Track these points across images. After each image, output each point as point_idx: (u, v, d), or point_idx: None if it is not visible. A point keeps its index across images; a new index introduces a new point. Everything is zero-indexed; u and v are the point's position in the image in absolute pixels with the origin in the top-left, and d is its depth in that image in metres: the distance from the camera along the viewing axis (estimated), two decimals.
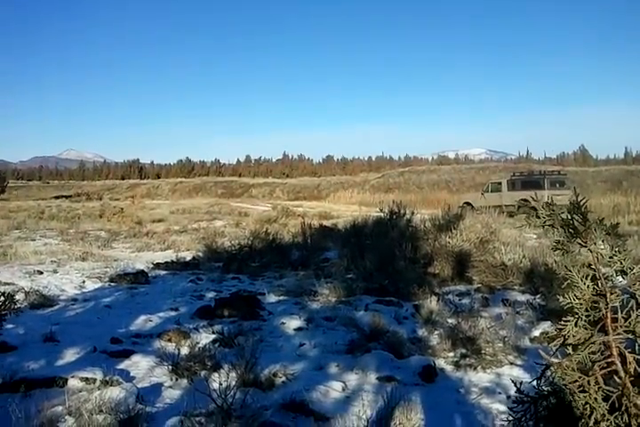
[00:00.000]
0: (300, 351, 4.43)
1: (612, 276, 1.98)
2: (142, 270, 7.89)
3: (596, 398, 1.84)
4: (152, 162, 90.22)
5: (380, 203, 14.18)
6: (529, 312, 5.40)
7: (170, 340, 4.58)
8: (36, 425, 2.78)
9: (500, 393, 3.68)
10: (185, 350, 4.15)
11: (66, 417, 2.99)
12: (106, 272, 7.78)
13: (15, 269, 7.66)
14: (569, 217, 2.00)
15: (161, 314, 5.53)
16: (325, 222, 14.06)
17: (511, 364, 4.23)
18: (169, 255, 9.81)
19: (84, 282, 7.15)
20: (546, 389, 1.96)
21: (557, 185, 20.67)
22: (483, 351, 4.40)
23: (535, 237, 10.65)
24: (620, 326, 1.89)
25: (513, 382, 2.11)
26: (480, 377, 4.00)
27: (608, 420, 1.82)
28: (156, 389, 3.58)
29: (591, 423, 1.82)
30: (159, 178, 72.39)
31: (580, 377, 1.87)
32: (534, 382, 2.01)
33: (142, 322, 5.25)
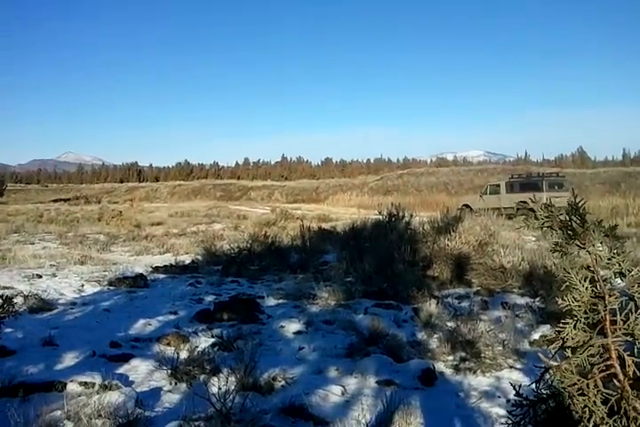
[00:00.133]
0: (300, 355, 4.42)
1: (610, 278, 1.98)
2: (141, 274, 7.88)
3: (594, 402, 1.84)
4: (151, 165, 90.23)
5: (379, 205, 14.17)
6: (528, 315, 5.40)
7: (169, 344, 4.57)
8: None
9: (499, 397, 3.67)
10: (184, 354, 4.14)
11: (65, 422, 2.98)
12: (105, 276, 7.77)
13: (14, 273, 7.65)
14: (567, 219, 2.00)
15: (160, 318, 5.52)
16: (324, 225, 14.05)
17: (511, 367, 4.23)
18: (168, 259, 9.80)
19: (82, 286, 7.14)
20: (545, 392, 1.96)
21: (556, 187, 20.68)
22: (482, 355, 4.40)
23: (534, 239, 10.65)
24: (619, 329, 1.89)
25: (512, 385, 2.11)
26: (479, 381, 4.00)
27: (607, 423, 1.82)
28: (155, 393, 3.57)
29: None
30: (158, 181, 72.40)
31: (578, 380, 1.87)
32: (533, 386, 2.00)
33: (141, 326, 5.24)
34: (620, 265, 1.95)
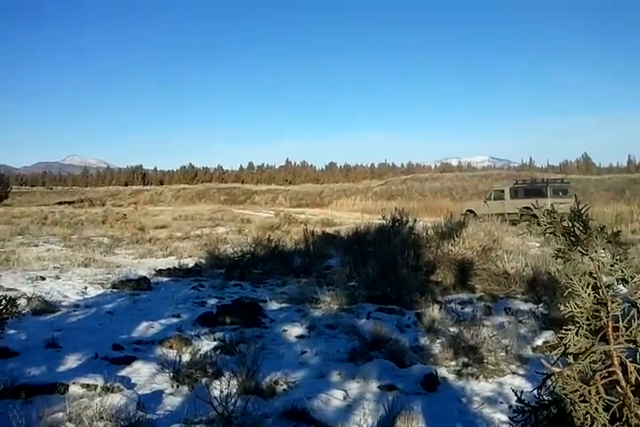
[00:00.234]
0: (302, 359, 4.42)
1: (613, 284, 1.98)
2: (144, 277, 7.90)
3: (596, 408, 1.84)
4: (155, 168, 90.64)
5: (383, 210, 14.20)
6: (531, 321, 5.38)
7: (171, 347, 4.57)
8: None
9: (501, 403, 3.66)
10: (186, 357, 4.15)
11: (66, 424, 2.98)
12: (108, 278, 7.79)
13: (18, 275, 7.68)
14: (570, 225, 2.00)
15: (163, 321, 5.53)
16: (328, 229, 14.05)
17: (513, 373, 4.22)
18: (171, 262, 9.81)
19: (86, 288, 7.16)
20: (547, 398, 1.95)
21: (560, 193, 20.65)
22: (485, 360, 4.39)
23: (538, 245, 10.62)
24: (622, 336, 1.89)
25: (514, 391, 2.11)
26: (482, 386, 3.99)
27: None
28: (157, 396, 3.57)
29: None
30: (162, 184, 72.56)
31: (580, 387, 1.86)
32: (535, 392, 2.00)
33: (144, 329, 5.25)
34: (622, 272, 1.95)
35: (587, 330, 1.92)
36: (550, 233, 2.06)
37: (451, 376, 4.18)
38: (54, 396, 3.37)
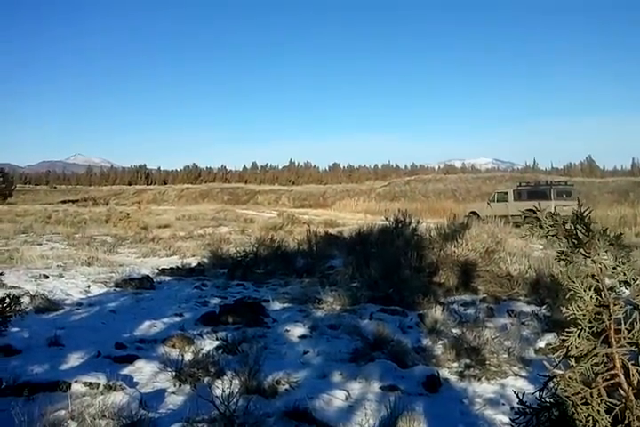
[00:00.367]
0: (304, 359, 4.42)
1: (615, 287, 1.98)
2: (147, 276, 7.91)
3: (598, 411, 1.84)
4: (159, 168, 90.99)
5: (386, 211, 14.18)
6: (534, 323, 5.38)
7: (174, 346, 4.58)
8: None
9: (503, 404, 3.66)
10: (189, 357, 4.16)
11: (69, 422, 3.00)
12: (111, 277, 7.80)
13: (21, 273, 7.69)
14: (572, 227, 2.00)
15: (165, 320, 5.54)
16: (331, 230, 14.05)
17: (516, 375, 4.22)
18: (174, 261, 9.83)
19: (89, 287, 7.17)
20: (548, 400, 1.95)
21: (564, 195, 20.61)
22: (487, 362, 4.39)
23: (541, 247, 10.59)
24: (624, 338, 1.89)
25: (515, 393, 2.11)
26: (484, 388, 3.99)
27: None
28: (160, 394, 3.58)
29: None
30: (166, 184, 72.78)
31: (582, 389, 1.86)
32: (537, 394, 2.00)
33: (147, 327, 5.26)
34: (624, 274, 1.95)
35: (589, 332, 1.92)
36: (553, 236, 2.06)
37: (453, 377, 4.18)
38: (57, 394, 3.38)
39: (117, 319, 5.55)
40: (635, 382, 1.86)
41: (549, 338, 4.84)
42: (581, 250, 1.96)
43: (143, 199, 48.80)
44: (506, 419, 3.29)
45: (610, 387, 1.89)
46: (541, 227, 2.04)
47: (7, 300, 3.39)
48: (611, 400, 1.86)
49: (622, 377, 1.87)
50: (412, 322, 5.60)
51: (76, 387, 3.48)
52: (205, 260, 9.58)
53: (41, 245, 11.66)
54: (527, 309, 6.09)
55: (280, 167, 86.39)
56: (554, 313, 5.38)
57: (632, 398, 1.84)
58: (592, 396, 1.85)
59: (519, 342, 4.77)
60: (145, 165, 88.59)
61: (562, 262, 2.04)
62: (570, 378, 1.89)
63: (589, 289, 1.92)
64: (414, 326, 5.48)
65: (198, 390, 3.52)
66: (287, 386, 3.77)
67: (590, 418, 1.84)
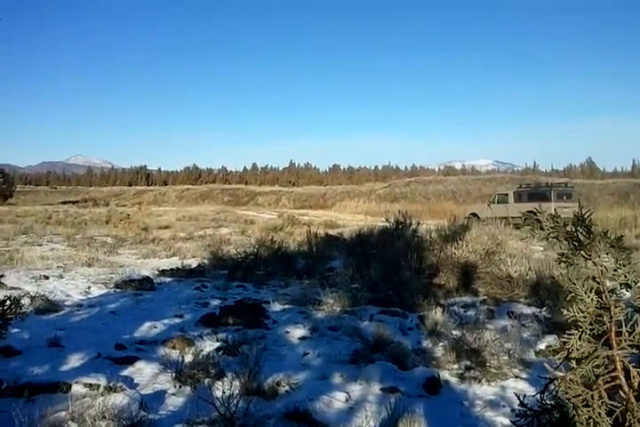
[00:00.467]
0: (304, 361, 4.42)
1: (616, 289, 1.98)
2: (148, 277, 7.91)
3: (599, 413, 1.83)
4: (159, 169, 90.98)
5: (386, 213, 14.18)
6: (534, 325, 5.37)
7: (174, 347, 4.58)
8: None
9: (504, 406, 3.66)
10: (189, 358, 4.16)
11: (69, 423, 3.00)
12: (111, 278, 7.80)
13: (21, 274, 7.69)
14: (573, 229, 2.00)
15: (165, 321, 5.54)
16: (331, 231, 14.04)
17: (516, 377, 4.21)
18: (174, 262, 9.82)
19: (89, 288, 7.17)
20: (549, 402, 1.95)
21: (564, 197, 20.60)
22: (487, 364, 4.39)
23: (542, 249, 10.59)
24: (625, 341, 1.89)
25: (516, 395, 2.11)
26: (484, 390, 3.99)
27: None
28: (160, 396, 3.58)
29: None
30: (166, 185, 72.81)
31: (583, 391, 1.86)
32: (538, 396, 2.00)
33: (147, 329, 5.26)
34: (625, 276, 1.95)
35: (590, 335, 1.92)
36: (554, 237, 2.06)
37: (453, 379, 4.18)
38: (57, 395, 3.38)
39: (117, 320, 5.55)
40: (635, 385, 1.86)
41: (550, 340, 4.83)
42: (582, 252, 1.96)
43: (143, 200, 48.84)
44: (506, 421, 3.30)
45: (611, 389, 1.89)
46: (542, 229, 2.04)
47: (8, 302, 3.38)
48: (612, 403, 1.86)
49: (623, 379, 1.87)
50: (412, 324, 5.60)
51: (77, 388, 3.48)
52: (206, 261, 9.58)
53: (41, 245, 11.66)
54: (527, 310, 6.09)
55: (280, 168, 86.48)
56: (554, 315, 5.38)
57: (633, 400, 1.84)
58: (593, 398, 1.85)
59: (519, 343, 4.77)
60: (145, 166, 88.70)
61: (563, 264, 2.04)
62: (571, 380, 1.88)
63: (590, 291, 1.92)
64: (414, 327, 5.48)
65: (198, 392, 3.52)
66: (287, 388, 3.77)
67: (591, 420, 1.83)
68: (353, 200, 43.25)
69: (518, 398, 2.03)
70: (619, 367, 1.88)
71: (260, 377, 3.67)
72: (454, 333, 5.15)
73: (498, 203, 22.26)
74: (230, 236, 14.84)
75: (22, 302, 3.91)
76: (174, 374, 3.83)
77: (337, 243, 10.90)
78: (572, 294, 1.96)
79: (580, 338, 1.91)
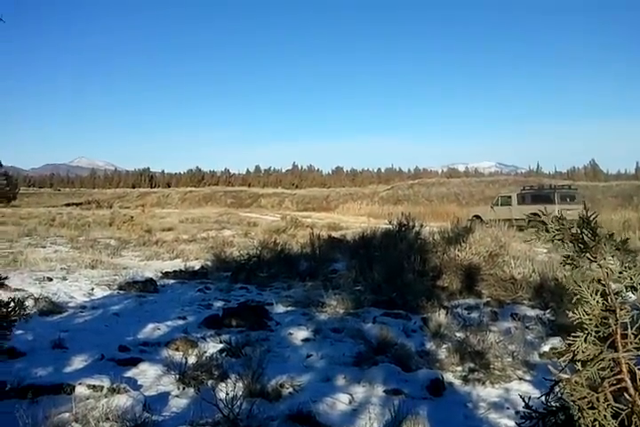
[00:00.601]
0: (307, 362, 4.42)
1: (622, 291, 1.97)
2: (151, 279, 7.92)
3: (605, 416, 1.83)
4: (162, 171, 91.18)
5: (389, 215, 14.16)
6: (538, 327, 5.36)
7: (177, 349, 4.58)
8: None
9: (508, 408, 3.65)
10: (192, 360, 4.15)
11: (73, 424, 3.00)
12: (115, 280, 7.81)
13: (25, 276, 7.71)
14: (578, 232, 1.99)
15: (169, 323, 5.54)
16: (334, 234, 14.04)
17: (520, 379, 4.20)
18: (178, 264, 9.84)
19: (93, 289, 7.18)
20: (554, 405, 1.94)
21: (568, 199, 20.59)
22: (491, 366, 4.37)
23: (545, 251, 10.57)
24: (630, 343, 1.88)
25: (521, 397, 2.10)
26: (488, 392, 3.97)
27: None
28: (163, 397, 3.58)
29: None
30: (169, 187, 72.94)
31: (589, 394, 1.85)
32: (543, 398, 1.99)
33: (150, 330, 5.26)
34: (631, 279, 1.95)
35: (595, 337, 1.91)
36: (559, 240, 2.06)
37: (457, 381, 4.17)
38: (61, 396, 3.39)
39: (121, 322, 5.55)
40: None
41: (554, 342, 4.82)
42: (587, 254, 1.95)
43: (147, 202, 48.93)
44: (510, 423, 3.29)
45: (616, 392, 1.88)
46: (547, 231, 2.03)
47: (12, 304, 3.39)
48: (617, 405, 1.85)
49: (629, 382, 1.86)
50: (415, 326, 5.59)
51: (80, 390, 3.48)
52: (209, 263, 9.59)
53: (45, 247, 11.68)
54: (531, 313, 6.08)
55: (283, 170, 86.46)
56: (558, 317, 5.36)
57: (639, 402, 1.83)
58: (598, 400, 1.84)
59: (523, 346, 4.76)
60: (149, 168, 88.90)
61: (567, 267, 2.03)
62: (576, 382, 1.88)
63: (596, 294, 1.92)
64: (418, 329, 5.47)
65: (202, 394, 3.52)
66: (291, 389, 3.76)
67: (597, 423, 1.83)
68: (356, 202, 43.22)
69: (523, 400, 2.02)
70: (624, 370, 1.87)
71: (264, 379, 3.67)
72: (458, 335, 5.14)
73: (501, 205, 22.24)
74: (233, 238, 14.85)
75: (26, 303, 3.92)
76: (178, 376, 3.83)
77: (340, 245, 10.90)
78: (578, 297, 1.95)
79: (585, 340, 1.90)
